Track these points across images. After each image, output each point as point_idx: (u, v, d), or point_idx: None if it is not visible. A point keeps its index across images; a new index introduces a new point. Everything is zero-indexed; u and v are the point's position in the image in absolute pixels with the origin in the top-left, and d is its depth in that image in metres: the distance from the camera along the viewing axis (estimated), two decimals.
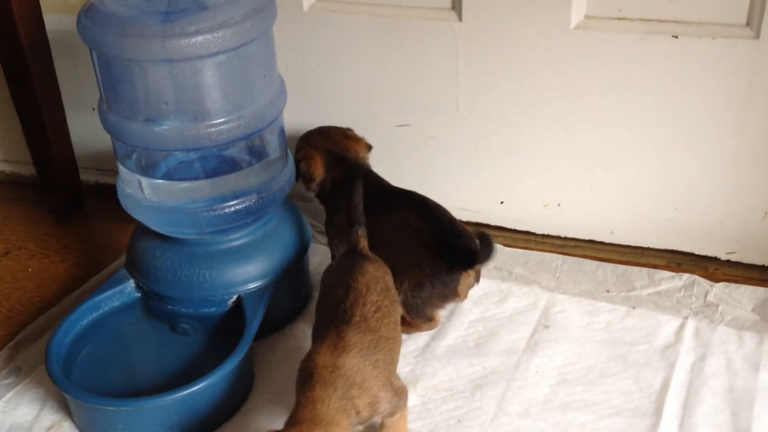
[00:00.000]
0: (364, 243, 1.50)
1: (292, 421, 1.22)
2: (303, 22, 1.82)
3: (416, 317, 1.60)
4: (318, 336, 1.36)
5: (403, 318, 1.54)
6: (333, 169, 1.71)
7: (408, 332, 1.62)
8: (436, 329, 1.66)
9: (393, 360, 1.38)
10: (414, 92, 1.82)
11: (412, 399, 1.50)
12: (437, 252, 1.55)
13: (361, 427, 1.30)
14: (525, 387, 1.51)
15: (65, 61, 1.97)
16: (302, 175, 1.74)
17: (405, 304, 1.56)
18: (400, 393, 1.33)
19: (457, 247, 1.54)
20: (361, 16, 1.78)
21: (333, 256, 1.71)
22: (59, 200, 2.07)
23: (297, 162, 1.72)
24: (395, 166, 1.86)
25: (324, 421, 1.21)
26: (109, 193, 1.78)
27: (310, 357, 1.30)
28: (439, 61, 1.77)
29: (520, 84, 1.74)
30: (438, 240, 1.55)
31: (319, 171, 1.72)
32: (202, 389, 1.39)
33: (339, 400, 1.23)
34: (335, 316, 1.35)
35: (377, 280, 1.43)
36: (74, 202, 2.09)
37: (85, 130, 2.07)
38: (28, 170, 2.21)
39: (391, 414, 1.33)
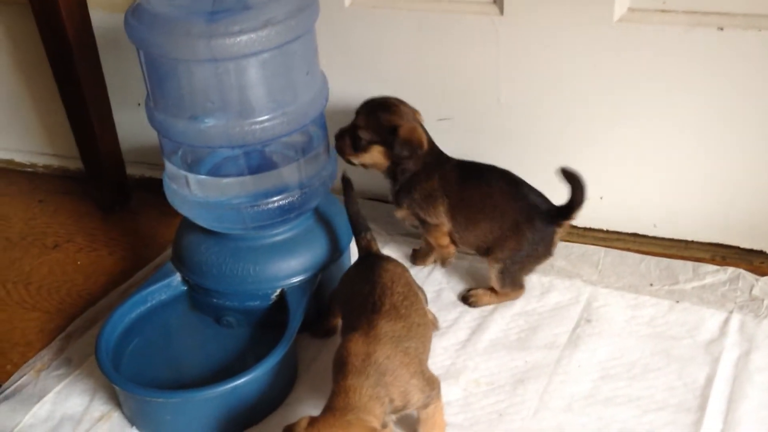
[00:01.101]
0: (375, 246, 1.56)
1: (326, 410, 1.24)
2: (344, 18, 1.83)
3: (510, 285, 1.68)
4: (349, 329, 1.38)
5: (491, 289, 1.68)
6: (430, 144, 1.68)
7: (493, 303, 1.70)
8: (478, 324, 1.67)
9: (425, 348, 1.39)
10: (455, 86, 1.83)
11: (454, 392, 1.51)
12: (532, 213, 1.64)
13: (394, 417, 1.32)
14: (567, 381, 1.52)
15: (111, 57, 2.01)
16: (408, 144, 1.62)
17: (502, 273, 1.66)
18: (432, 383, 1.34)
19: (547, 205, 1.65)
20: (401, 11, 1.78)
21: (421, 221, 1.71)
22: (106, 194, 2.11)
23: (395, 133, 1.61)
24: None
25: (357, 408, 1.22)
26: (154, 187, 1.81)
27: (343, 346, 1.32)
28: (480, 55, 1.77)
29: (561, 77, 1.73)
30: (529, 203, 1.64)
31: (425, 139, 1.65)
32: (247, 382, 1.41)
33: (372, 388, 1.25)
34: (365, 308, 1.38)
35: (399, 276, 1.47)
36: (120, 196, 2.13)
37: (131, 125, 2.10)
38: (75, 165, 2.25)
39: (425, 405, 1.34)
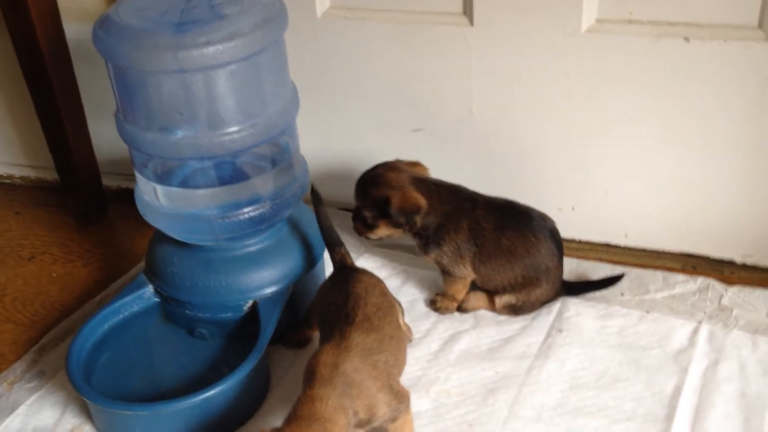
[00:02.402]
0: (350, 260, 1.58)
1: (290, 418, 1.24)
2: (316, 29, 1.84)
3: (515, 314, 1.70)
4: (324, 339, 1.39)
5: (490, 302, 1.71)
6: (434, 197, 1.66)
7: (485, 309, 1.72)
8: (450, 334, 1.67)
9: (396, 362, 1.39)
10: (427, 97, 1.84)
11: (425, 403, 1.51)
12: (560, 277, 1.70)
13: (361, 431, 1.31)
14: (537, 391, 1.52)
15: (85, 68, 2.01)
16: (402, 211, 1.62)
17: (510, 307, 1.69)
18: (400, 397, 1.34)
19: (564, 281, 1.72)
20: (373, 22, 1.79)
21: (446, 272, 1.69)
22: (82, 205, 2.11)
23: (389, 204, 1.62)
24: None
25: (322, 418, 1.22)
26: (130, 198, 1.80)
27: (314, 356, 1.32)
28: (452, 66, 1.78)
29: (532, 87, 1.74)
30: (561, 267, 1.69)
31: (420, 200, 1.63)
32: (217, 393, 1.41)
33: (338, 399, 1.24)
34: (338, 319, 1.39)
35: (374, 286, 1.48)
36: (97, 207, 2.13)
37: (107, 135, 2.10)
38: (51, 176, 2.26)
39: (393, 419, 1.34)
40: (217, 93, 1.42)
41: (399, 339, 1.43)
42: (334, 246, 1.59)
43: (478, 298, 1.72)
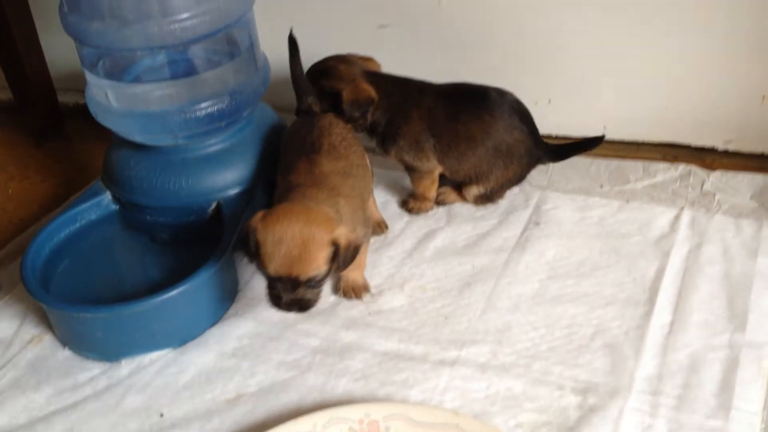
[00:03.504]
0: (317, 108, 1.56)
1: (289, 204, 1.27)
2: None
3: (483, 203, 1.65)
4: (287, 169, 1.40)
5: (484, 196, 1.64)
6: (382, 89, 1.58)
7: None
8: (424, 232, 1.61)
9: (365, 189, 1.46)
10: None
11: (399, 299, 1.47)
12: (527, 147, 1.59)
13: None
14: (514, 282, 1.47)
15: None
16: (356, 104, 1.56)
17: (481, 197, 1.63)
18: (369, 220, 1.44)
19: (544, 144, 1.63)
20: None
21: (410, 168, 1.64)
22: (37, 122, 2.02)
23: (340, 98, 1.56)
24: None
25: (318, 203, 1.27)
26: (89, 114, 1.73)
27: (287, 177, 1.37)
28: None
29: None
30: (526, 136, 1.59)
31: (372, 92, 1.57)
32: (179, 295, 1.35)
33: (325, 203, 1.29)
34: (303, 149, 1.40)
35: (337, 123, 1.50)
36: (53, 124, 2.04)
37: (62, 50, 2.00)
38: (5, 95, 2.15)
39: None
40: None
41: (365, 168, 1.47)
42: (302, 95, 1.56)
43: (451, 192, 1.66)
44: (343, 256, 1.26)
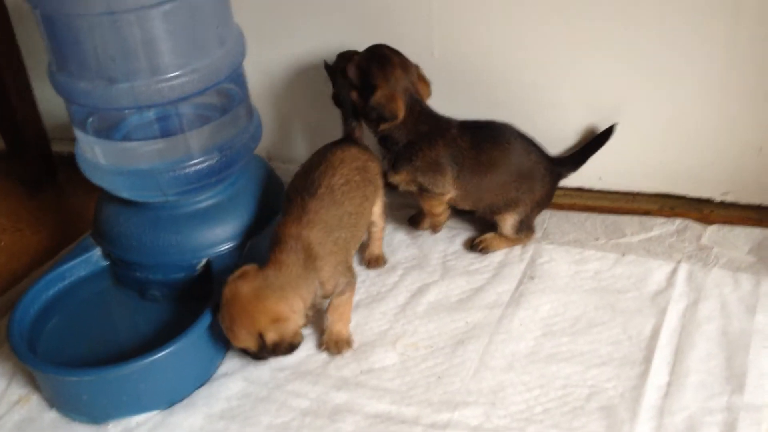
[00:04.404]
0: (359, 133, 1.60)
1: (261, 273, 1.34)
2: None
3: (525, 231, 1.66)
4: (284, 207, 1.46)
5: (503, 236, 1.66)
6: (413, 116, 1.59)
7: (505, 246, 1.67)
8: (418, 287, 1.59)
9: (353, 238, 1.48)
10: (388, 40, 1.73)
11: (391, 357, 1.45)
12: (545, 165, 1.64)
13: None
14: (508, 340, 1.45)
15: (28, 28, 1.90)
16: (380, 109, 1.56)
17: (520, 223, 1.64)
18: (352, 272, 1.46)
19: (560, 159, 1.68)
20: None
21: (422, 189, 1.63)
22: (30, 171, 2.01)
23: (372, 91, 1.56)
24: None
25: (286, 283, 1.34)
26: None
27: (279, 226, 1.41)
28: (413, 8, 1.69)
29: (494, 27, 1.65)
30: (540, 155, 1.64)
31: (401, 112, 1.57)
32: (166, 356, 1.33)
33: (302, 268, 1.35)
34: (304, 186, 1.45)
35: (355, 158, 1.52)
36: (46, 173, 2.04)
37: (55, 99, 1.96)
38: None
39: (342, 293, 1.44)
40: (152, 36, 1.33)
41: (359, 215, 1.49)
42: (348, 118, 1.60)
43: (494, 239, 1.68)
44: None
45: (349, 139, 1.58)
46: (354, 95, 1.60)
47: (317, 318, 1.48)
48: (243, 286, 1.33)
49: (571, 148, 1.73)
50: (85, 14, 1.29)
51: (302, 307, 1.36)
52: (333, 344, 1.46)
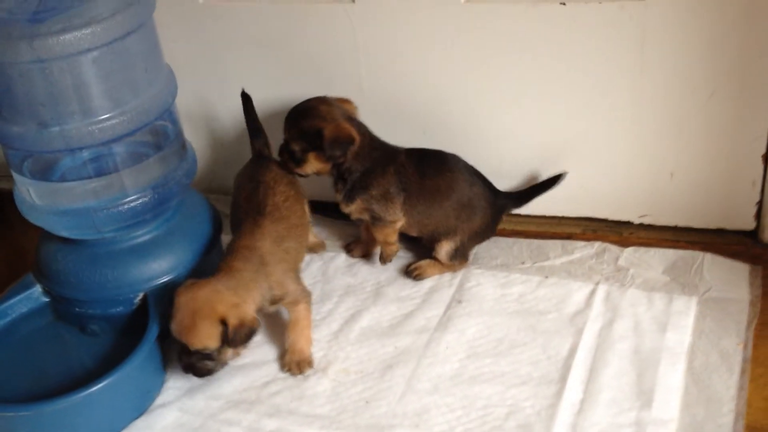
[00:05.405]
0: (268, 151, 1.72)
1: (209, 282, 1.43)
2: (198, 15, 1.80)
3: (459, 259, 1.71)
4: (236, 227, 1.57)
5: (438, 262, 1.72)
6: (365, 136, 1.65)
7: (438, 273, 1.73)
8: (351, 313, 1.65)
9: (300, 248, 1.61)
10: (317, 76, 1.81)
11: (323, 384, 1.50)
12: (488, 197, 1.71)
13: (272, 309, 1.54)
14: (435, 363, 1.51)
15: None
16: (337, 143, 1.60)
17: (456, 251, 1.69)
18: (303, 285, 1.57)
19: (504, 193, 1.75)
20: (257, 3, 1.76)
21: (375, 218, 1.68)
22: None
23: (321, 137, 1.59)
24: None
25: (237, 285, 1.43)
26: None
27: (234, 239, 1.53)
28: (339, 44, 1.76)
29: (419, 61, 1.73)
30: (486, 187, 1.71)
31: (353, 132, 1.62)
32: (102, 390, 1.38)
33: (254, 273, 1.46)
34: (249, 208, 1.57)
35: (282, 175, 1.65)
36: None
37: None
38: None
39: (295, 302, 1.53)
40: (81, 81, 1.39)
41: (303, 227, 1.65)
42: (255, 136, 1.71)
43: (429, 266, 1.73)
44: (234, 334, 1.40)
45: (262, 156, 1.70)
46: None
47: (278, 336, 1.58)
48: (197, 289, 1.42)
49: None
50: (14, 62, 1.34)
51: (253, 309, 1.45)
52: (295, 365, 1.52)
